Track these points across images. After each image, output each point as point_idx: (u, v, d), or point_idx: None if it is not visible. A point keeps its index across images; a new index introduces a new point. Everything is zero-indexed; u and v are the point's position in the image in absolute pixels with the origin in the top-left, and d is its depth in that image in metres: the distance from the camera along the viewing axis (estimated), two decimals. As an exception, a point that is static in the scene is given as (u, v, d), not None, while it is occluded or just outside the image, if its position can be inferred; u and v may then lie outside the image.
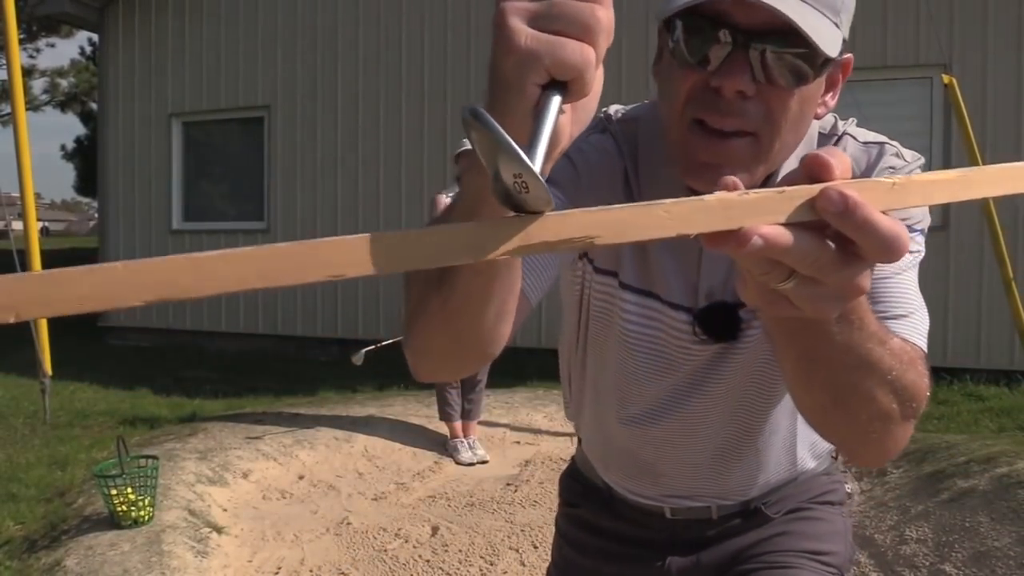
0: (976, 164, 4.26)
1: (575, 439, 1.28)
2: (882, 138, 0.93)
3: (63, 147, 20.30)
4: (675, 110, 0.82)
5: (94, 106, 16.54)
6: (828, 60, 0.78)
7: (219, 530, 3.39)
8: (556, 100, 0.47)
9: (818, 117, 0.87)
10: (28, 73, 16.15)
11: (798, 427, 1.08)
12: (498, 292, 0.69)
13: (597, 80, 0.49)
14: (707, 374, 1.01)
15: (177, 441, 4.41)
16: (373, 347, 4.60)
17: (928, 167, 0.91)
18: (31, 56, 17.31)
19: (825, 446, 1.14)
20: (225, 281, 0.38)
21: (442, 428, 4.71)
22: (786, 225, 0.44)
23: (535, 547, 3.35)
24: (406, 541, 3.43)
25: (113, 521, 3.19)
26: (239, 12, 8.11)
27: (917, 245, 0.87)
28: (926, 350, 0.79)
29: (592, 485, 1.23)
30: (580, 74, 0.46)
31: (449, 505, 3.87)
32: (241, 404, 5.68)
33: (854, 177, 0.45)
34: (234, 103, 8.17)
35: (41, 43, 17.23)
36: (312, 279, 0.39)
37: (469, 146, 4.00)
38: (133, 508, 3.17)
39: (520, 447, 4.82)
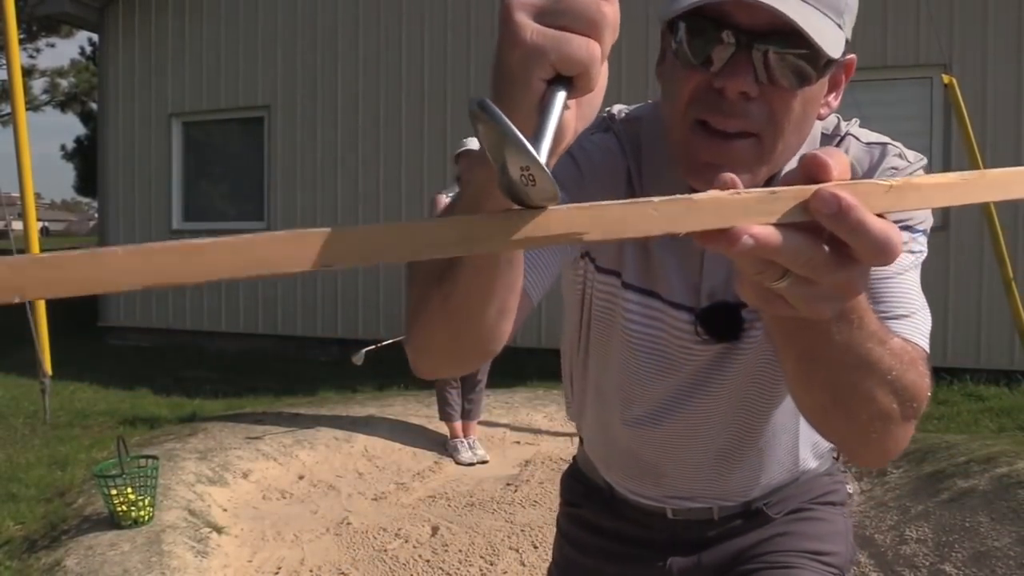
0: (976, 164, 4.27)
1: (575, 439, 1.28)
2: (885, 139, 0.93)
3: (63, 147, 20.30)
4: (678, 111, 0.82)
5: (94, 106, 16.54)
6: (831, 61, 0.78)
7: (219, 530, 3.39)
8: (561, 95, 0.47)
9: (821, 118, 0.87)
10: (28, 73, 16.15)
11: (800, 427, 1.08)
12: (499, 289, 0.69)
13: (602, 76, 0.49)
14: (709, 374, 1.01)
15: (177, 441, 4.41)
16: (373, 347, 4.60)
17: (928, 167, 0.91)
18: (31, 56, 17.31)
19: (827, 446, 1.14)
20: (224, 268, 0.38)
21: (442, 428, 4.71)
22: (781, 225, 0.44)
23: (535, 547, 3.35)
24: (406, 541, 3.43)
25: (113, 521, 3.19)
26: (239, 12, 8.11)
27: (919, 245, 0.86)
28: (928, 350, 0.79)
29: (594, 485, 1.23)
30: (585, 69, 0.46)
31: (449, 505, 3.87)
32: (241, 404, 5.68)
33: (856, 178, 0.45)
34: (234, 103, 8.17)
35: (41, 43, 17.23)
36: (309, 268, 0.39)
37: (469, 146, 4.01)
38: (133, 508, 3.17)
39: (520, 447, 4.82)
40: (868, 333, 0.63)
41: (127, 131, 8.57)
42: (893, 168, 0.90)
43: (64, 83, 18.31)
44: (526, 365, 5.78)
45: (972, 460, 3.52)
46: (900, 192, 0.45)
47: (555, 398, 5.45)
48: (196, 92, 8.31)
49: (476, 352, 0.78)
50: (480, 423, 4.78)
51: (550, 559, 1.33)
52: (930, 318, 0.84)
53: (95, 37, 11.99)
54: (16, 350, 6.50)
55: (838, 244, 0.45)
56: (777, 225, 0.44)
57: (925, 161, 0.91)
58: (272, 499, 3.94)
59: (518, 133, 0.41)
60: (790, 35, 0.74)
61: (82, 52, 18.93)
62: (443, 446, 4.65)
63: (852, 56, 0.85)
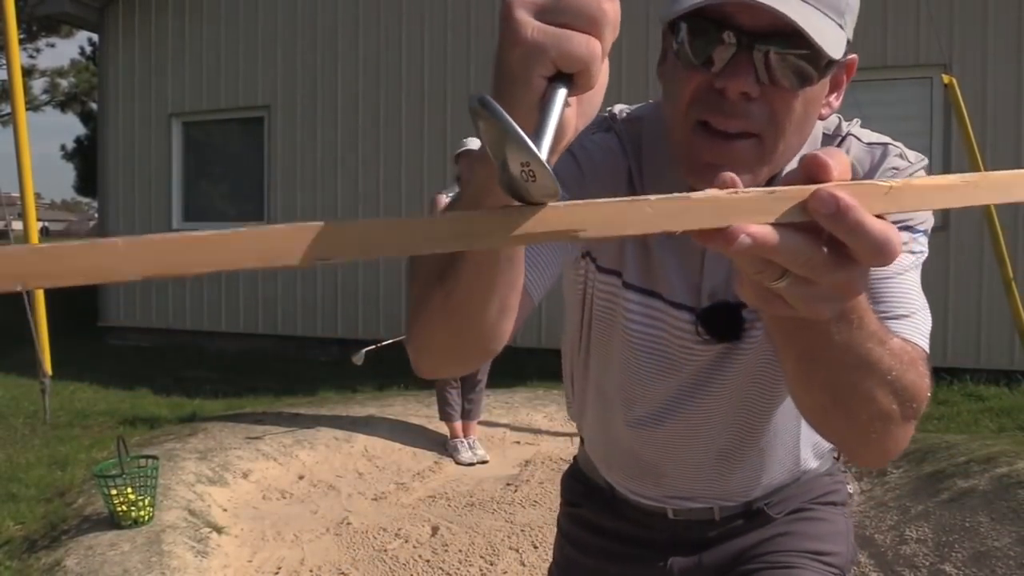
0: (976, 164, 4.27)
1: (575, 439, 1.28)
2: (886, 139, 0.93)
3: (63, 147, 20.27)
4: (679, 111, 0.82)
5: (94, 106, 16.53)
6: (832, 61, 0.78)
7: (219, 530, 3.39)
8: (562, 93, 0.47)
9: (822, 118, 0.87)
10: (28, 73, 16.14)
11: (801, 428, 1.08)
12: (500, 287, 0.69)
13: (602, 73, 0.49)
14: (710, 375, 1.01)
15: (177, 441, 4.41)
16: (373, 347, 4.60)
17: (928, 167, 0.91)
18: (31, 56, 17.29)
19: (827, 446, 1.14)
20: (223, 259, 0.39)
21: (442, 428, 4.71)
22: (780, 225, 0.44)
23: (535, 547, 3.35)
24: (406, 541, 3.43)
25: (113, 521, 3.19)
26: (239, 12, 8.11)
27: (920, 246, 0.86)
28: (928, 351, 0.79)
29: (594, 485, 1.23)
30: (586, 67, 0.46)
31: (449, 505, 3.87)
32: (241, 404, 5.68)
33: (856, 178, 0.45)
34: (234, 103, 8.17)
35: (41, 43, 17.21)
36: (308, 260, 0.39)
37: (469, 146, 4.01)
38: (133, 508, 3.17)
39: (520, 447, 4.82)
40: (868, 333, 0.63)
41: (127, 131, 8.57)
42: (894, 168, 0.90)
43: (64, 83, 18.29)
44: (526, 365, 5.78)
45: (972, 460, 3.52)
46: (899, 193, 0.45)
47: (555, 398, 5.45)
48: (196, 92, 8.31)
49: (477, 351, 0.78)
50: (480, 423, 4.78)
51: (550, 559, 1.33)
52: (930, 318, 0.84)
53: (95, 37, 11.98)
54: (16, 350, 6.50)
55: (837, 245, 0.45)
56: (776, 225, 0.44)
57: (926, 162, 0.91)
58: (272, 499, 3.94)
59: (519, 129, 0.41)
60: (791, 36, 0.74)
61: (82, 52, 18.91)
62: (443, 446, 4.65)
63: (853, 56, 0.84)
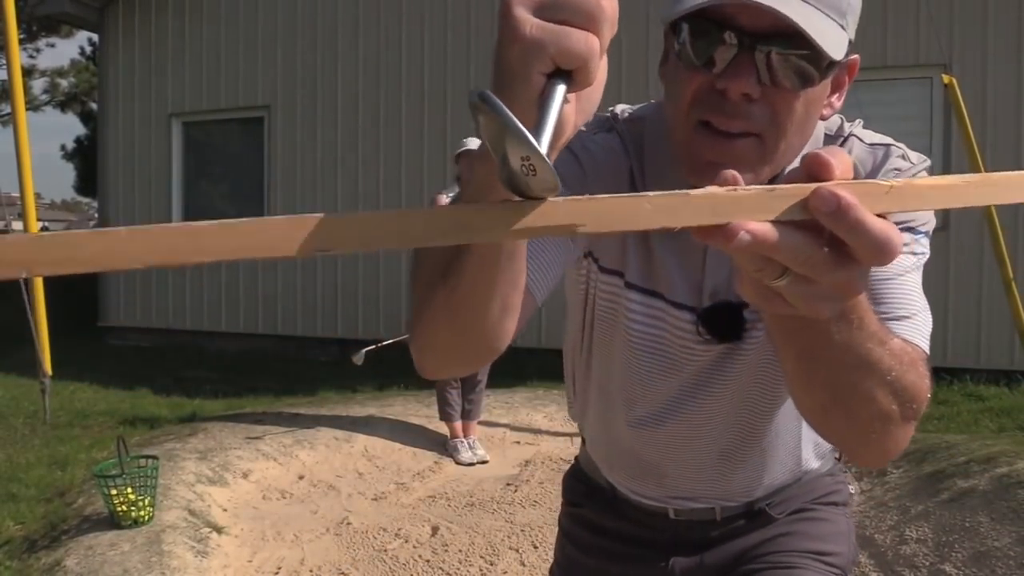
0: (976, 164, 4.27)
1: (576, 439, 1.28)
2: (888, 140, 0.93)
3: (63, 147, 20.25)
4: (681, 111, 0.82)
5: (94, 106, 16.51)
6: (833, 62, 0.78)
7: (219, 530, 3.39)
8: (561, 89, 0.47)
9: (824, 118, 0.87)
10: (28, 73, 16.12)
11: (802, 428, 1.08)
12: (502, 285, 0.69)
13: (601, 70, 0.49)
14: (712, 375, 1.01)
15: (177, 441, 4.41)
16: (373, 347, 4.60)
17: (930, 168, 0.91)
18: (31, 56, 17.27)
19: (828, 446, 1.14)
20: (224, 249, 0.39)
21: (442, 428, 4.71)
22: (780, 223, 0.44)
23: (535, 547, 3.35)
24: (406, 541, 3.43)
25: (113, 521, 3.19)
26: (239, 12, 8.11)
27: (922, 247, 0.86)
28: (928, 352, 0.79)
29: (596, 485, 1.23)
30: (584, 63, 0.47)
31: (449, 505, 3.87)
32: (241, 404, 5.68)
33: (858, 178, 0.45)
34: (234, 103, 8.17)
35: (41, 43, 17.19)
36: (307, 251, 0.40)
37: (469, 146, 4.00)
38: (133, 508, 3.17)
39: (520, 447, 4.82)
40: (868, 333, 0.63)
41: (127, 131, 8.57)
42: (896, 169, 0.90)
43: (64, 83, 18.27)
44: (526, 365, 5.78)
45: (972, 460, 3.52)
46: (900, 193, 0.45)
47: (555, 398, 5.45)
48: (196, 92, 8.31)
49: (480, 350, 0.78)
50: (480, 423, 4.78)
51: (550, 559, 1.33)
52: (931, 320, 0.84)
53: (95, 37, 11.97)
54: (16, 350, 6.50)
55: (838, 243, 0.45)
56: (776, 223, 0.44)
57: (928, 163, 0.91)
58: (272, 499, 3.94)
59: (518, 123, 0.41)
60: (792, 36, 0.74)
61: (82, 52, 18.89)
62: (443, 446, 4.65)
63: (855, 57, 0.84)
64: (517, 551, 3.32)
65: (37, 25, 15.56)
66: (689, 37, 0.78)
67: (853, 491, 3.64)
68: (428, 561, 3.23)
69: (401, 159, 7.53)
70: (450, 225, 0.42)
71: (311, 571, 3.16)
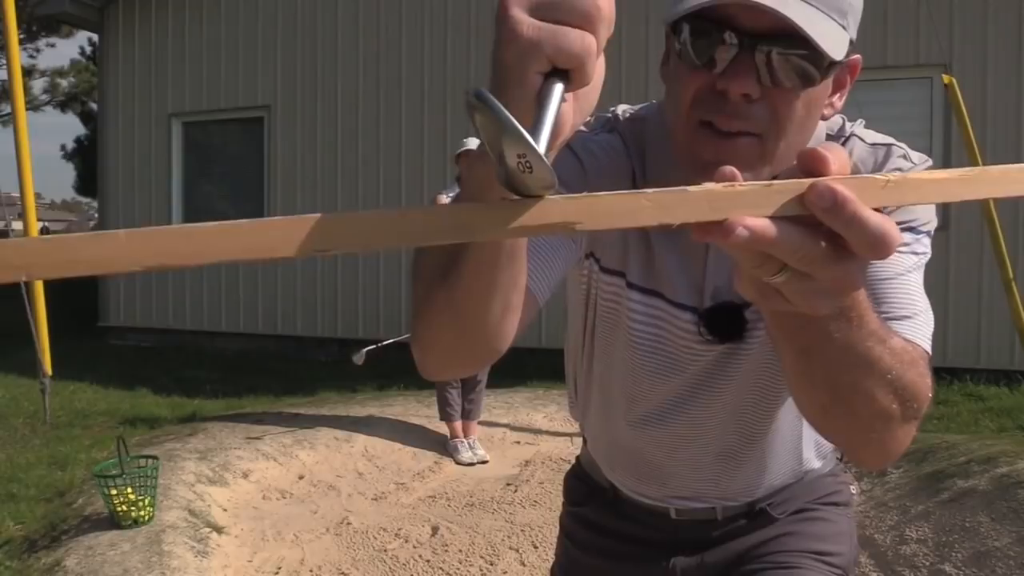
0: (976, 164, 4.26)
1: (576, 439, 1.28)
2: (890, 140, 0.93)
3: (63, 147, 20.25)
4: (682, 111, 0.82)
5: (94, 106, 16.52)
6: (834, 62, 0.77)
7: (219, 530, 3.39)
8: (558, 88, 0.47)
9: (825, 118, 0.87)
10: (28, 73, 16.13)
11: (804, 428, 1.08)
12: (502, 285, 0.69)
13: (598, 69, 0.49)
14: (713, 375, 1.01)
15: (177, 441, 4.41)
16: (373, 347, 4.60)
17: (932, 168, 0.91)
18: (31, 56, 17.28)
19: (830, 447, 1.14)
20: (222, 250, 0.39)
21: (442, 428, 4.71)
22: (778, 219, 0.44)
23: (535, 547, 3.35)
24: (406, 541, 3.43)
25: (113, 521, 3.19)
26: (239, 12, 8.11)
27: (923, 247, 0.86)
28: (929, 351, 0.79)
29: (597, 485, 1.23)
30: (581, 62, 0.47)
31: (449, 505, 3.87)
32: (241, 404, 5.68)
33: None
34: (234, 103, 8.17)
35: (41, 43, 17.20)
36: (306, 251, 0.40)
37: (469, 146, 4.01)
38: (133, 508, 3.17)
39: (520, 447, 4.82)
40: (868, 332, 0.63)
41: (127, 131, 8.57)
42: (897, 169, 0.89)
43: (64, 83, 18.27)
44: (526, 365, 5.77)
45: (972, 460, 3.52)
46: (897, 187, 0.45)
47: (555, 398, 5.45)
48: (196, 92, 8.31)
49: (482, 350, 0.78)
50: (480, 423, 4.78)
51: (550, 559, 1.33)
52: (932, 319, 0.84)
53: (95, 37, 11.98)
54: (16, 350, 6.50)
55: (835, 239, 0.45)
56: (774, 218, 0.44)
57: (930, 163, 0.91)
58: (272, 499, 3.94)
59: (514, 120, 0.41)
60: (793, 37, 0.74)
61: (82, 52, 18.90)
62: (443, 446, 4.65)
63: (857, 57, 0.84)
64: (517, 551, 3.32)
65: (37, 25, 15.57)
66: (690, 37, 0.78)
67: (855, 491, 3.64)
68: (428, 561, 3.23)
69: (401, 159, 7.53)
70: (449, 224, 0.42)
71: (311, 571, 3.16)
